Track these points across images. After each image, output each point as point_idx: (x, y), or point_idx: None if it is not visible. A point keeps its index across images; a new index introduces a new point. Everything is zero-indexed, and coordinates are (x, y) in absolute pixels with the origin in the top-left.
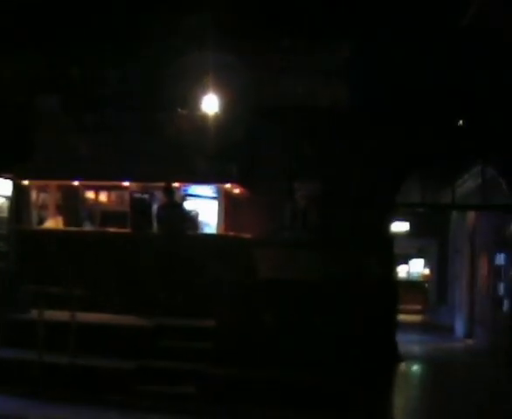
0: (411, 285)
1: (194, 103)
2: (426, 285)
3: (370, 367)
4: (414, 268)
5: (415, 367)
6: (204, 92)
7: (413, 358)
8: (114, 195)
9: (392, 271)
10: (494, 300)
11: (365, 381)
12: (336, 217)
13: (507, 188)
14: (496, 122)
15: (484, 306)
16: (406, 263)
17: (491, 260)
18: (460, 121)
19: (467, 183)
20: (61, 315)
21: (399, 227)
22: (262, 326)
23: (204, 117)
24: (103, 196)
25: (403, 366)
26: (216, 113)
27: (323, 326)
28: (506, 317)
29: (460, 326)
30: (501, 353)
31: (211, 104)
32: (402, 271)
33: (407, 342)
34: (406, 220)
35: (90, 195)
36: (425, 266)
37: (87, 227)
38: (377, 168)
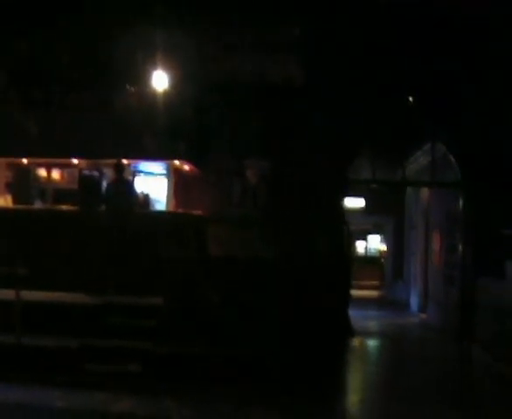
0: (369, 260)
1: (143, 80)
2: (383, 260)
3: (320, 343)
4: (372, 244)
5: (367, 342)
6: (154, 69)
7: (367, 333)
8: (66, 173)
9: (344, 247)
10: (445, 277)
11: (315, 356)
12: (287, 194)
13: (456, 165)
14: (446, 99)
15: (436, 282)
16: (364, 239)
17: (443, 236)
18: (411, 98)
19: (420, 160)
20: (6, 294)
21: (355, 203)
22: (210, 304)
23: (154, 94)
24: (56, 174)
25: (355, 340)
26: (165, 89)
27: (273, 302)
28: (456, 293)
29: (414, 302)
30: (451, 328)
31: (160, 80)
32: (360, 247)
33: (363, 317)
34: (362, 197)
35: (42, 173)
36: (382, 242)
37: (38, 205)
38: (329, 144)
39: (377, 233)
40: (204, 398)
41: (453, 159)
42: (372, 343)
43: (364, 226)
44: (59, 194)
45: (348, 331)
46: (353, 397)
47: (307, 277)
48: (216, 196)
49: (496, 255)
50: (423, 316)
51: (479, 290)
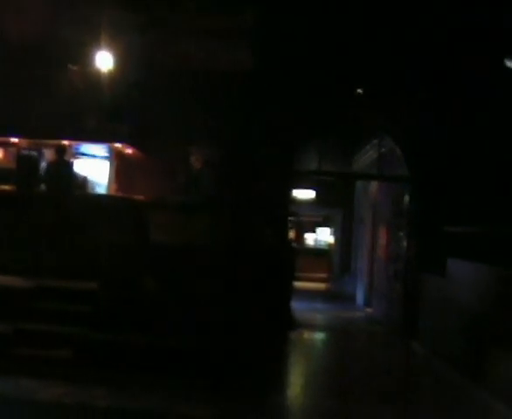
0: (317, 253)
1: (87, 60)
2: (331, 253)
3: (260, 334)
4: (321, 236)
5: (309, 335)
6: (98, 50)
7: (310, 325)
8: (5, 152)
9: (288, 239)
10: (390, 271)
11: (254, 348)
12: (232, 183)
13: (403, 159)
14: (395, 93)
15: (382, 277)
16: (314, 231)
17: (389, 231)
18: (359, 90)
19: (369, 154)
20: None
21: (306, 195)
22: (147, 291)
23: (98, 74)
24: None
25: (297, 333)
26: (110, 70)
27: (214, 292)
28: (400, 288)
29: (360, 295)
30: (395, 323)
31: (104, 61)
32: (309, 239)
33: (308, 310)
34: (313, 189)
35: None
36: (331, 235)
37: None
38: (276, 134)
39: (327, 226)
40: (134, 387)
41: (400, 153)
42: (314, 336)
43: (314, 218)
44: None
45: (290, 323)
46: (288, 392)
47: (249, 266)
48: (159, 182)
49: (439, 252)
50: (368, 310)
51: (421, 285)
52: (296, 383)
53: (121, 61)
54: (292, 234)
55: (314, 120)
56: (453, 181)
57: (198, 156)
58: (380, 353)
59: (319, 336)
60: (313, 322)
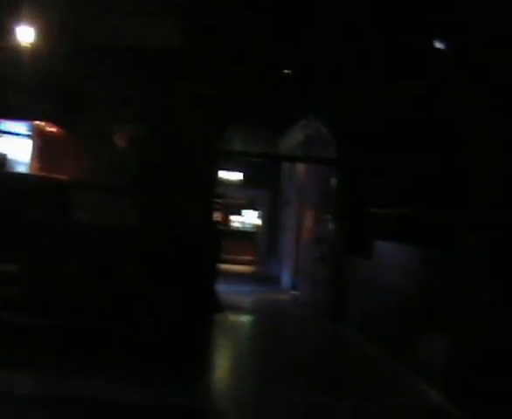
0: (243, 235)
1: (7, 34)
2: (258, 236)
3: (185, 317)
4: (248, 218)
5: (234, 317)
6: (19, 23)
7: (236, 308)
8: None
9: (213, 220)
10: (316, 253)
11: (178, 331)
12: (158, 163)
13: (330, 141)
14: (323, 74)
15: (308, 259)
16: (240, 213)
17: (316, 213)
18: (287, 70)
19: (296, 136)
20: None
21: (233, 176)
22: (70, 273)
23: (19, 50)
24: None
25: (222, 316)
26: (32, 46)
27: (138, 274)
28: (326, 270)
29: (287, 278)
30: (321, 306)
31: (25, 35)
32: (236, 221)
33: (235, 292)
34: (239, 170)
35: None
36: (258, 217)
37: None
38: (202, 113)
39: (254, 208)
40: (56, 372)
41: (327, 135)
42: (240, 319)
43: (241, 200)
44: None
45: (215, 306)
46: (212, 375)
47: (174, 248)
48: (83, 161)
49: (366, 234)
50: (294, 293)
51: (348, 268)
52: (221, 366)
53: (43, 36)
54: (219, 216)
55: (241, 99)
56: (381, 163)
57: (123, 135)
58: (306, 335)
59: (244, 319)
60: (239, 305)
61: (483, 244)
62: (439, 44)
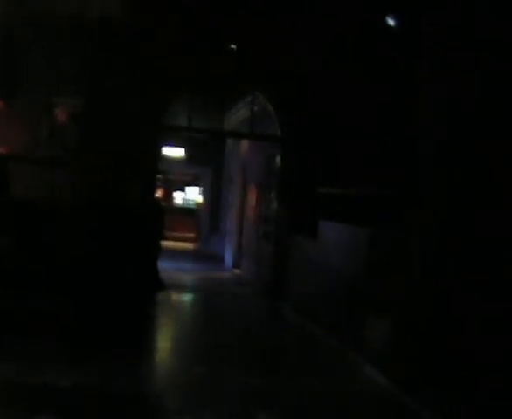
0: (186, 212)
1: None
2: (200, 213)
3: (125, 295)
4: (190, 196)
5: (176, 296)
6: None
7: (178, 286)
8: None
9: (155, 196)
10: (260, 233)
11: (117, 310)
12: (98, 137)
13: (275, 118)
14: (268, 50)
15: (251, 237)
16: (183, 190)
17: (260, 191)
18: (233, 45)
19: (241, 112)
20: None
21: (175, 153)
22: (4, 248)
23: None
24: None
25: (164, 294)
26: None
27: (75, 250)
28: (269, 249)
29: (229, 256)
30: (264, 285)
31: None
32: (178, 198)
33: (177, 270)
34: (182, 146)
35: None
36: (200, 194)
37: None
38: (144, 86)
39: (196, 185)
40: None
41: (272, 112)
42: (181, 298)
43: (184, 177)
44: None
45: (157, 284)
46: (153, 356)
47: (114, 223)
48: (21, 134)
49: (310, 213)
50: (237, 271)
51: (292, 248)
52: (161, 348)
53: None
54: (161, 192)
55: (184, 72)
56: (326, 141)
57: (63, 108)
58: (249, 315)
59: (186, 298)
60: (181, 283)
61: (425, 224)
62: (387, 21)
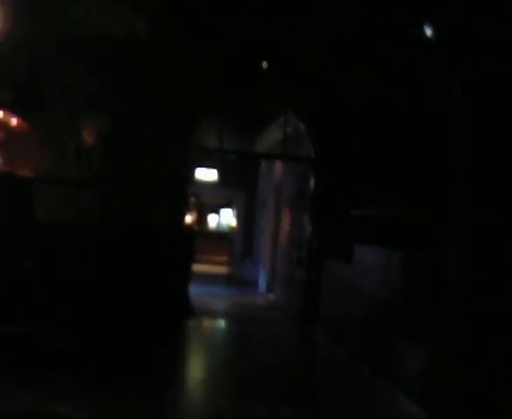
0: (219, 236)
1: None
2: (234, 237)
3: (154, 322)
4: (224, 219)
5: (207, 322)
6: None
7: (209, 312)
8: None
9: (184, 220)
10: (292, 256)
11: (147, 338)
12: (125, 158)
13: (308, 138)
14: (300, 68)
15: (284, 262)
16: (217, 213)
17: (293, 215)
18: (264, 64)
19: (274, 134)
20: None
21: (208, 176)
22: (29, 275)
23: None
24: None
25: (195, 320)
26: None
27: (103, 276)
28: (302, 274)
29: (262, 281)
30: (297, 311)
31: None
32: (212, 221)
33: (208, 295)
34: (215, 168)
35: None
36: (233, 218)
37: None
38: (172, 107)
39: (229, 208)
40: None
41: (306, 133)
42: (213, 324)
43: (217, 200)
44: None
45: (187, 310)
46: (181, 388)
47: (142, 249)
48: (47, 156)
49: (345, 236)
50: (270, 296)
51: (325, 272)
52: (192, 378)
53: (3, 22)
54: (194, 216)
55: (215, 93)
56: (361, 163)
57: (91, 129)
58: (282, 343)
59: (217, 324)
60: (212, 308)
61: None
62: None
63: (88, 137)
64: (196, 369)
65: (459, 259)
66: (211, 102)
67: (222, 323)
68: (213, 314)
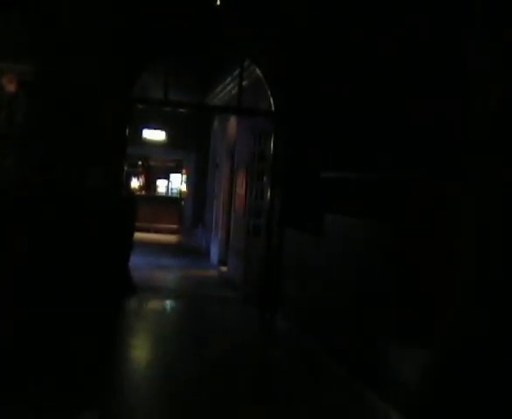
0: (168, 202)
1: None
2: (183, 202)
3: (84, 302)
4: (174, 184)
5: (148, 303)
6: None
7: (153, 289)
8: None
9: (123, 183)
10: (249, 226)
11: (74, 323)
12: (51, 109)
13: (268, 89)
14: (262, 7)
15: (239, 232)
16: (167, 178)
17: (250, 178)
18: (219, 1)
19: (230, 88)
20: None
21: (155, 136)
22: None
23: None
24: None
25: (135, 301)
26: None
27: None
28: (261, 245)
29: (215, 252)
30: (253, 287)
31: None
32: (161, 186)
33: (154, 267)
34: (163, 129)
35: None
36: (184, 182)
37: None
38: (110, 50)
39: (180, 172)
40: None
41: (266, 84)
42: (155, 305)
43: (166, 163)
44: None
45: (126, 288)
46: (109, 395)
47: (70, 216)
48: None
49: (312, 204)
50: (223, 269)
51: (286, 245)
52: (121, 389)
53: None
54: (141, 181)
55: (161, 37)
56: (333, 115)
57: (12, 76)
58: (237, 332)
59: (161, 306)
60: (157, 284)
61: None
62: None
63: (10, 86)
64: (128, 375)
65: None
66: (154, 46)
67: (166, 304)
68: (157, 292)
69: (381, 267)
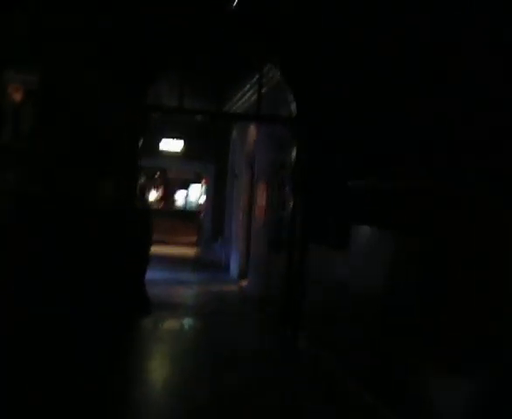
0: (186, 214)
1: None
2: (202, 215)
3: (94, 323)
4: (193, 196)
5: (164, 323)
6: None
7: (170, 306)
8: None
9: (136, 197)
10: (270, 239)
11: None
12: (59, 121)
13: (292, 98)
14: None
15: (259, 244)
16: (185, 188)
17: (271, 188)
18: (234, 4)
19: (249, 95)
20: None
21: (173, 146)
22: None
23: None
24: None
25: (150, 320)
26: None
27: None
28: (279, 259)
29: (234, 265)
30: (274, 304)
31: None
32: (179, 198)
33: (172, 282)
34: (180, 139)
35: None
36: (202, 194)
37: None
38: (119, 56)
39: (199, 183)
40: None
41: (288, 89)
42: (171, 324)
43: (184, 175)
44: None
45: (142, 305)
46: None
47: (82, 228)
48: None
49: (338, 214)
50: (243, 283)
51: (310, 260)
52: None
53: None
54: (160, 193)
55: (174, 44)
56: (360, 123)
57: (18, 85)
58: (259, 353)
59: (177, 325)
60: (174, 300)
61: None
62: None
63: (17, 95)
64: (140, 394)
65: None
66: (167, 53)
67: (183, 323)
68: (174, 309)
69: (411, 285)
